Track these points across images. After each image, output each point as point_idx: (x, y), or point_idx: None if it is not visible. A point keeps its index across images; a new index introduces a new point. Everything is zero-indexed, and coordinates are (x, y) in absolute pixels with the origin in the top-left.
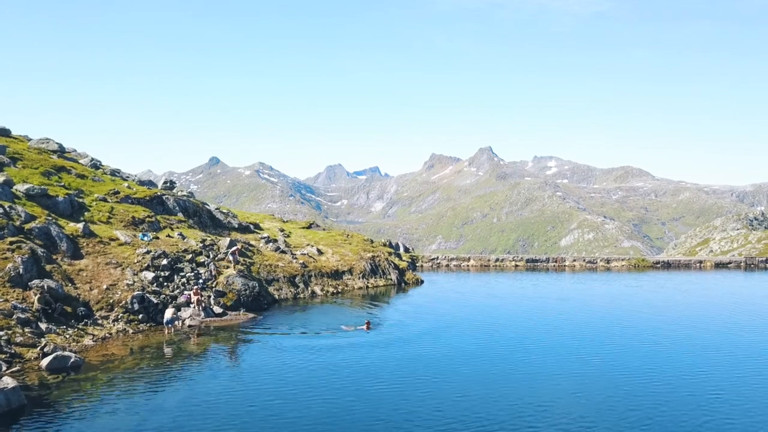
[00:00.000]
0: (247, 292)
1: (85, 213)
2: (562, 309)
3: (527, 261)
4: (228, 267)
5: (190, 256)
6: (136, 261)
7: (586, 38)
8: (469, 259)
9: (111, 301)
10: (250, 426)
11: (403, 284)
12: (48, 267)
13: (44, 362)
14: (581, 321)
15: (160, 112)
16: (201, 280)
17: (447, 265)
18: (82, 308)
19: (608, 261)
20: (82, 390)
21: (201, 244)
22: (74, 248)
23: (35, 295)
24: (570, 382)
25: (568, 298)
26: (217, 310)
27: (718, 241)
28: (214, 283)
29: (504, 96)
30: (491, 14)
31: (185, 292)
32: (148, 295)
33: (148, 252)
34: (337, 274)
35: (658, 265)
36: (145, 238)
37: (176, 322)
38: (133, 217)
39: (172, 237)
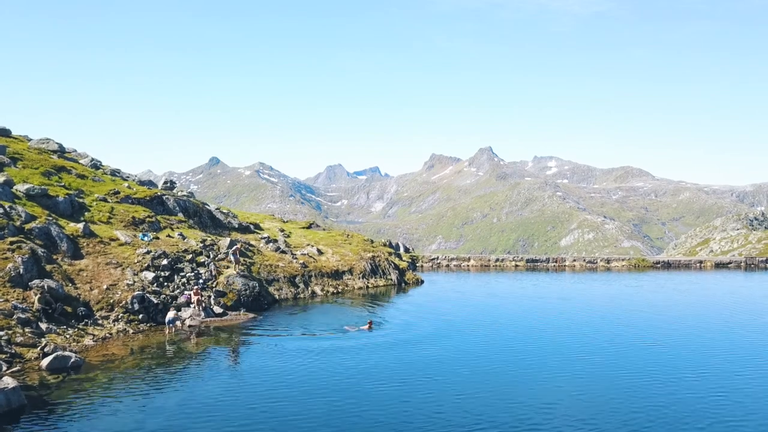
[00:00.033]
0: (248, 292)
1: (86, 213)
2: (562, 309)
3: (527, 261)
4: (228, 267)
5: (191, 256)
6: (136, 261)
7: (586, 38)
8: (469, 259)
9: (111, 301)
10: (250, 426)
11: (403, 284)
12: (48, 267)
13: (44, 362)
14: (582, 321)
15: (160, 112)
16: (201, 280)
17: (447, 266)
18: (82, 308)
19: (608, 261)
20: (83, 390)
21: (201, 244)
22: (74, 248)
23: (35, 295)
24: (571, 383)
25: (568, 298)
26: (218, 310)
27: (718, 241)
28: (215, 283)
29: (504, 96)
30: (491, 14)
31: (185, 292)
32: (148, 295)
33: (148, 252)
34: (337, 274)
35: (659, 265)
36: (146, 238)
37: (177, 323)
38: (134, 218)
39: (173, 237)
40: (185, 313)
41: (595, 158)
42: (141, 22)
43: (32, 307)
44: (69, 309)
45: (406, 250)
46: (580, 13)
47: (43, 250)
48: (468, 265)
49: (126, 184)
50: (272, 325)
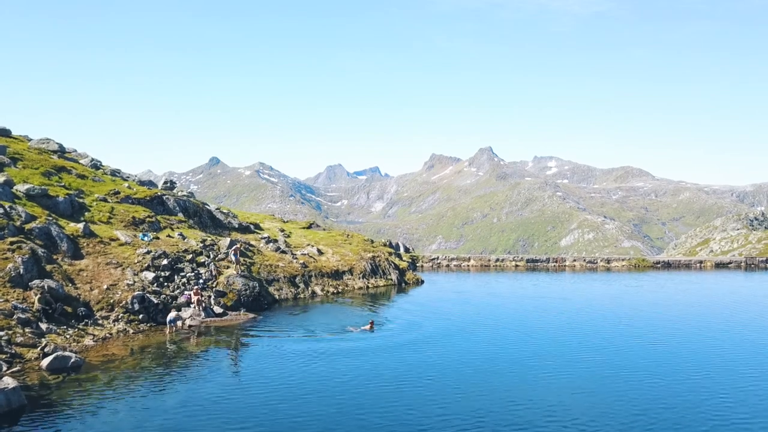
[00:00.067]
0: (248, 292)
1: (86, 213)
2: (562, 309)
3: (527, 261)
4: (228, 267)
5: (191, 256)
6: (136, 261)
7: (586, 38)
8: (469, 259)
9: (111, 301)
10: (250, 426)
11: (403, 284)
12: (48, 267)
13: (45, 362)
14: (582, 321)
15: (160, 112)
16: (201, 280)
17: (447, 266)
18: (82, 308)
19: (608, 261)
20: (83, 390)
21: (201, 244)
22: (74, 248)
23: (36, 295)
24: (572, 383)
25: (568, 298)
26: (218, 310)
27: (719, 241)
28: (215, 283)
29: (504, 96)
30: (491, 14)
31: (185, 292)
32: (148, 295)
33: (148, 252)
34: (337, 274)
35: (659, 265)
36: (146, 238)
37: (178, 322)
38: (134, 218)
39: (173, 237)
40: (185, 313)
41: (595, 158)
42: (141, 22)
43: (32, 307)
44: (69, 309)
45: (406, 250)
46: (580, 13)
47: (43, 250)
48: (468, 265)
49: (126, 184)
50: (272, 325)
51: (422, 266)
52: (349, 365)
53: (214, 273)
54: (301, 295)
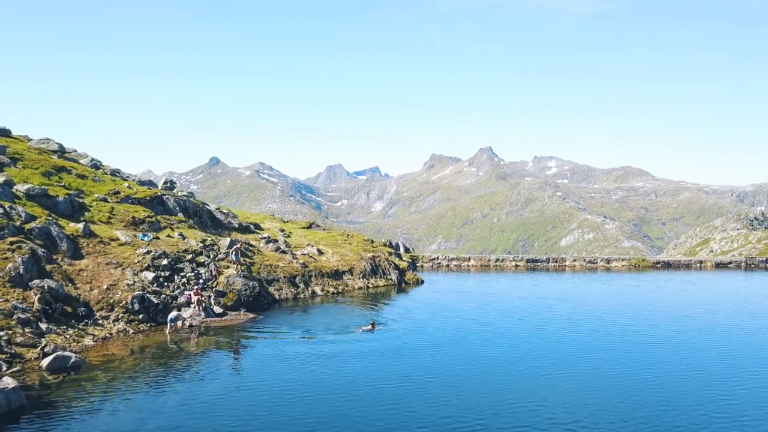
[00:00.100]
0: (248, 292)
1: (86, 213)
2: (562, 309)
3: (527, 261)
4: (228, 267)
5: (191, 256)
6: (136, 261)
7: (586, 38)
8: (469, 259)
9: (111, 301)
10: (250, 426)
11: (403, 284)
12: (48, 267)
13: (44, 362)
14: (582, 321)
15: (160, 112)
16: (201, 280)
17: (447, 266)
18: (82, 308)
19: (608, 261)
20: (83, 390)
21: (201, 244)
22: (74, 248)
23: (35, 295)
24: (574, 383)
25: (568, 298)
26: (218, 310)
27: (719, 241)
28: (215, 283)
29: (504, 96)
30: (491, 14)
31: (185, 292)
32: (148, 295)
33: (148, 252)
34: (337, 274)
35: (659, 265)
36: (146, 238)
37: (178, 322)
38: (134, 217)
39: (173, 237)
40: (185, 313)
41: (595, 158)
42: (141, 22)
43: (32, 307)
44: (69, 309)
45: (406, 250)
46: (580, 13)
47: (43, 250)
48: (468, 265)
49: (126, 184)
50: (272, 325)
51: (422, 266)
52: (349, 365)
53: (214, 273)
54: (301, 295)
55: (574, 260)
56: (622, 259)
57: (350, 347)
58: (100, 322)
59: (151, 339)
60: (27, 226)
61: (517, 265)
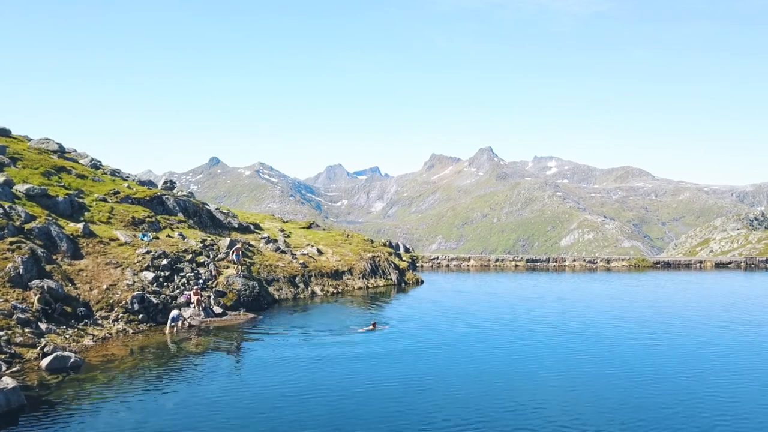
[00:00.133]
0: (247, 292)
1: (85, 213)
2: (562, 308)
3: (527, 261)
4: (228, 267)
5: (190, 256)
6: (136, 261)
7: (586, 38)
8: (469, 259)
9: (111, 301)
10: (250, 426)
11: (403, 284)
12: (48, 267)
13: (44, 362)
14: (581, 321)
15: (160, 112)
16: (201, 280)
17: (447, 266)
18: (82, 308)
19: (608, 261)
20: (82, 390)
21: (201, 244)
22: (74, 248)
23: (35, 295)
24: (574, 383)
25: (568, 298)
26: (217, 310)
27: (719, 241)
28: (214, 283)
29: (504, 96)
30: (491, 14)
31: (185, 293)
32: (148, 295)
33: (148, 252)
34: (337, 274)
35: (659, 265)
36: (145, 238)
37: (179, 322)
38: (133, 217)
39: (172, 237)
40: (185, 312)
41: (595, 158)
42: (141, 22)
43: (32, 307)
44: (69, 309)
45: (406, 250)
46: (580, 13)
47: (42, 250)
48: (468, 265)
49: (126, 184)
50: (272, 325)
51: (422, 266)
52: (349, 365)
53: (213, 273)
54: (301, 295)
55: (574, 260)
56: (622, 259)
57: (350, 347)
58: (99, 322)
59: (150, 339)
60: (27, 226)
61: (516, 265)
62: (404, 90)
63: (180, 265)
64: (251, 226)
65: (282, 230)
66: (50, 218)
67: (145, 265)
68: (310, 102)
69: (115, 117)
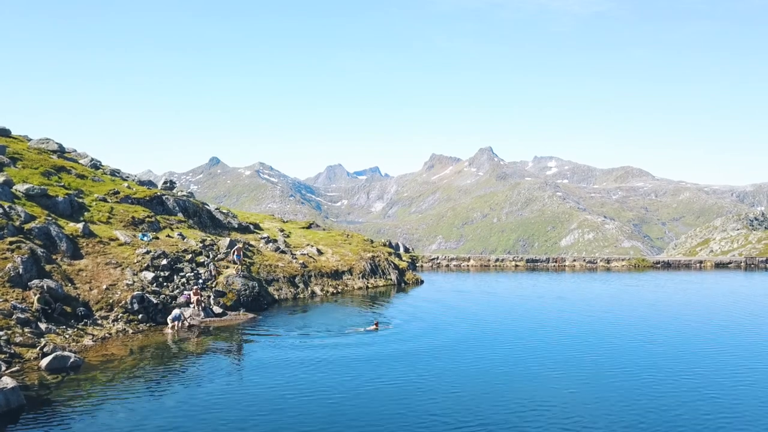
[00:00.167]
0: (247, 292)
1: (85, 213)
2: (561, 308)
3: (527, 261)
4: (228, 267)
5: (190, 256)
6: (135, 261)
7: (586, 38)
8: (469, 259)
9: (111, 301)
10: (249, 427)
11: (403, 284)
12: (48, 267)
13: (44, 362)
14: (580, 320)
15: (160, 112)
16: (201, 280)
17: (447, 266)
18: (81, 308)
19: (608, 261)
20: (82, 390)
21: (201, 244)
22: (74, 248)
23: (35, 295)
24: (574, 382)
25: (568, 298)
26: (217, 310)
27: (719, 241)
28: (214, 283)
29: (504, 96)
30: (491, 14)
31: (185, 292)
32: (147, 295)
33: (147, 252)
34: (336, 274)
35: (659, 265)
36: (145, 238)
37: (178, 322)
38: (133, 217)
39: (172, 237)
40: (185, 312)
41: (595, 158)
42: (141, 22)
43: (31, 307)
44: (68, 309)
45: (406, 250)
46: (580, 13)
47: (42, 250)
48: (468, 265)
49: (126, 184)
50: (272, 325)
51: (422, 266)
52: (350, 366)
53: (213, 273)
54: (301, 295)
55: (574, 260)
56: (622, 259)
57: (351, 347)
58: (99, 322)
59: (150, 339)
60: (26, 226)
61: (516, 265)
62: (404, 90)
63: (180, 265)
64: (251, 226)
65: (282, 230)
66: (50, 218)
67: (145, 265)
68: (310, 102)
69: (115, 117)
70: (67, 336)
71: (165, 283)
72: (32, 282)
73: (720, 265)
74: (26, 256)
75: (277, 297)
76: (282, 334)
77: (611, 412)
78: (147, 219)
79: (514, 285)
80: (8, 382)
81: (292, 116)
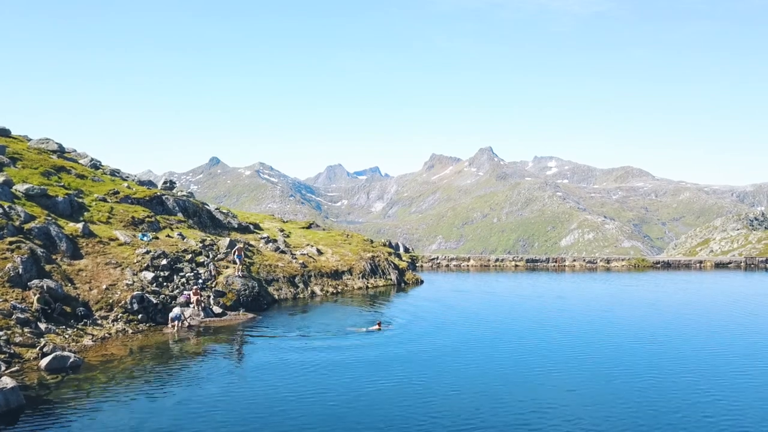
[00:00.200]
0: (247, 292)
1: (85, 213)
2: (561, 308)
3: (527, 261)
4: (228, 267)
5: (190, 256)
6: (135, 261)
7: (586, 38)
8: (469, 259)
9: (110, 301)
10: (249, 426)
11: (402, 284)
12: (47, 267)
13: (43, 362)
14: (580, 320)
15: (160, 112)
16: (200, 280)
17: (447, 266)
18: (81, 308)
19: (608, 261)
20: (82, 390)
21: (200, 244)
22: (74, 248)
23: (35, 295)
24: (573, 382)
25: (568, 297)
26: (217, 310)
27: (719, 241)
28: (214, 283)
29: (504, 96)
30: (491, 14)
31: (185, 292)
32: (147, 295)
33: (147, 252)
34: (336, 274)
35: (658, 265)
36: (145, 238)
37: (177, 321)
38: (133, 217)
39: (172, 237)
40: (185, 312)
41: (595, 158)
42: (141, 22)
43: (31, 307)
44: (68, 309)
45: (406, 250)
46: (580, 13)
47: (42, 250)
48: (468, 265)
49: (125, 184)
50: (272, 325)
51: (422, 266)
52: (351, 366)
53: (213, 273)
54: (301, 295)
55: (574, 260)
56: (622, 259)
57: (352, 347)
58: (99, 322)
59: (150, 339)
60: (26, 226)
61: (516, 265)
62: (404, 90)
63: (179, 265)
64: (251, 226)
65: (282, 230)
66: (50, 218)
67: (145, 265)
68: (310, 102)
69: (115, 117)
70: (66, 336)
71: (165, 283)
72: (32, 282)
73: (720, 265)
74: (26, 256)
75: (276, 297)
76: (282, 334)
77: (611, 412)
78: (147, 219)
79: (514, 285)
80: (8, 382)
81: (292, 116)
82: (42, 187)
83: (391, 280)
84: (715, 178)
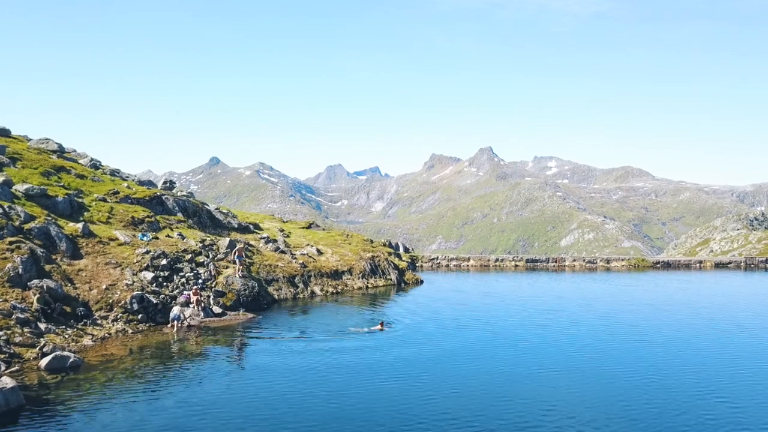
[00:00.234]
0: (247, 292)
1: (85, 213)
2: (560, 308)
3: (527, 261)
4: (227, 267)
5: (190, 256)
6: (135, 261)
7: (586, 38)
8: (468, 259)
9: (110, 301)
10: (249, 426)
11: (402, 284)
12: (47, 267)
13: (43, 362)
14: (580, 320)
15: (160, 112)
16: (200, 280)
17: (447, 266)
18: (81, 308)
19: (608, 261)
20: (81, 390)
21: (200, 244)
22: (73, 248)
23: (34, 295)
24: (579, 384)
25: (568, 297)
26: (217, 310)
27: (719, 241)
28: (214, 283)
29: (504, 96)
30: (491, 14)
31: (184, 292)
32: (147, 295)
33: (147, 252)
34: (336, 274)
35: (658, 265)
36: (145, 238)
37: (177, 321)
38: (133, 217)
39: (172, 237)
40: (185, 312)
41: (595, 158)
42: (141, 22)
43: (31, 307)
44: (68, 309)
45: (406, 250)
46: (580, 13)
47: (42, 250)
48: (468, 265)
49: (125, 184)
50: (272, 325)
51: (422, 266)
52: (351, 366)
53: (213, 273)
54: (301, 295)
55: (574, 260)
56: (622, 259)
57: (351, 347)
58: (99, 322)
59: (150, 339)
60: (26, 226)
61: (516, 265)
62: (404, 90)
63: (179, 265)
64: (251, 226)
65: (281, 230)
66: (49, 218)
67: (145, 265)
68: (310, 102)
69: (115, 117)
70: (66, 336)
71: (165, 283)
72: (32, 282)
73: (720, 265)
74: (26, 256)
75: (276, 297)
76: (282, 334)
77: (612, 412)
78: (147, 219)
79: (514, 285)
80: (8, 382)
81: (292, 116)
82: (42, 187)
83: (391, 280)
84: (715, 178)
